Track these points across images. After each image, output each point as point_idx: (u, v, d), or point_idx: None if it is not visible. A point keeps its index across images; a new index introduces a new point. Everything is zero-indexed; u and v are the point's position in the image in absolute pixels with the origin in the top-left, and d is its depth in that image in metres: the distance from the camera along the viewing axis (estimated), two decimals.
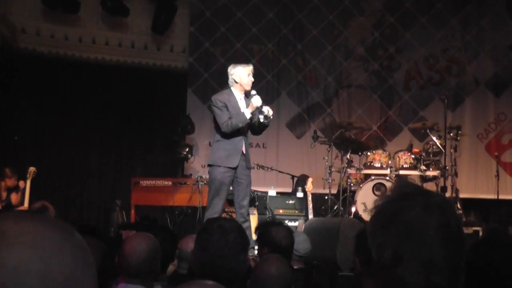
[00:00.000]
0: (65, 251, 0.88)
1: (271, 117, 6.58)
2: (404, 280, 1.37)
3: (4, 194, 8.56)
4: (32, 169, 8.66)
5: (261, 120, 6.53)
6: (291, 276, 2.82)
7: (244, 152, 6.53)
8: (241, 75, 6.55)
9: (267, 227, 4.26)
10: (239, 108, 6.51)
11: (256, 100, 6.41)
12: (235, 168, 6.48)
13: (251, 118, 6.47)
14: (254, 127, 6.66)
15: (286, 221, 6.91)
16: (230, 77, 6.64)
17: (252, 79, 6.59)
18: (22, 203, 8.36)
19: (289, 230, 4.20)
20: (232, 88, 6.66)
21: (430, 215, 1.39)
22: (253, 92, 6.49)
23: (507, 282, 2.04)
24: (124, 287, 2.96)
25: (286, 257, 3.95)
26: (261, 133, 6.90)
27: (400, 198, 1.44)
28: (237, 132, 6.48)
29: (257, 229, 4.35)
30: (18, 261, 0.84)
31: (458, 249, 1.41)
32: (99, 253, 2.97)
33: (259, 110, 6.50)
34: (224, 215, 8.04)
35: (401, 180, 8.69)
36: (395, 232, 1.39)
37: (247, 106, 6.51)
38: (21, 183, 8.57)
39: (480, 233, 7.84)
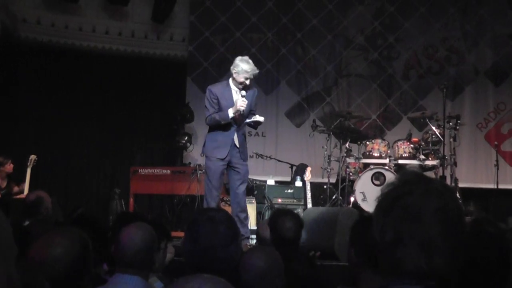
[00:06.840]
0: None
1: (258, 121, 6.59)
2: (405, 261, 1.48)
3: (3, 183, 8.54)
4: (33, 157, 8.62)
5: (247, 121, 6.60)
6: (279, 266, 2.83)
7: (238, 145, 6.55)
8: (239, 73, 6.46)
9: (275, 216, 4.26)
10: (232, 100, 6.51)
11: (240, 103, 6.42)
12: (226, 159, 6.52)
13: (234, 117, 6.47)
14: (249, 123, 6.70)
15: None
16: (232, 66, 6.57)
17: (247, 83, 6.52)
18: (22, 191, 8.30)
19: (296, 220, 4.17)
20: (230, 78, 6.63)
21: (428, 199, 1.52)
22: (243, 93, 6.48)
23: (491, 271, 2.07)
24: (120, 278, 2.97)
25: (290, 247, 3.98)
26: (254, 128, 7.00)
27: (401, 185, 1.58)
28: (228, 124, 6.52)
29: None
30: None
31: (457, 231, 1.52)
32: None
33: (253, 113, 6.60)
34: (222, 204, 8.08)
35: (405, 170, 8.71)
36: (395, 216, 1.53)
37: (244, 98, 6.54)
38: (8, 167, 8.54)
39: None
